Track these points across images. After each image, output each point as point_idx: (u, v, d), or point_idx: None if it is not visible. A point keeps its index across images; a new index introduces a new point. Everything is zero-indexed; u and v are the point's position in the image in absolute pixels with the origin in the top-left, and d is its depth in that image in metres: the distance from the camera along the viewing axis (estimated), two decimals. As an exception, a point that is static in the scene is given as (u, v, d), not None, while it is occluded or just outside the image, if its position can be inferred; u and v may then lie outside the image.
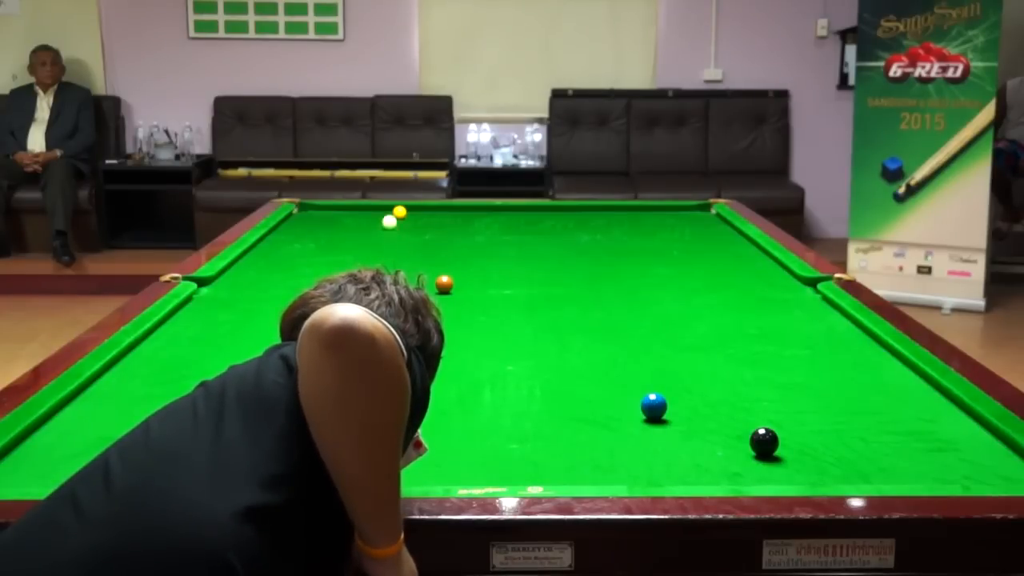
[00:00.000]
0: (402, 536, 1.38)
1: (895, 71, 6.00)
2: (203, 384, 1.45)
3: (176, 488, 1.27)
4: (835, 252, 6.09)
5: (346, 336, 1.26)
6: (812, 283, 2.95)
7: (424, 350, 1.55)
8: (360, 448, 1.28)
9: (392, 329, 1.32)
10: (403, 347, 1.33)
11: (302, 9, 7.23)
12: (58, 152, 6.72)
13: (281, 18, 7.25)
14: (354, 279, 1.59)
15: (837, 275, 2.95)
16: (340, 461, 1.29)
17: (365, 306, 1.49)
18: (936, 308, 5.91)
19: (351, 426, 1.27)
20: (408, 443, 1.47)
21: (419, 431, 1.52)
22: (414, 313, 1.57)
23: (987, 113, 5.75)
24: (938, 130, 5.90)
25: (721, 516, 1.50)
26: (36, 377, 2.11)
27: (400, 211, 4.04)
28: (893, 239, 6.11)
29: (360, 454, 1.29)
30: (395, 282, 1.61)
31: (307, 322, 1.29)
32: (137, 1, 7.23)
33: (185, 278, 2.91)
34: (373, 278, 1.60)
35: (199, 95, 7.26)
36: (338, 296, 1.55)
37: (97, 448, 1.42)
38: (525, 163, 7.15)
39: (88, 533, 1.24)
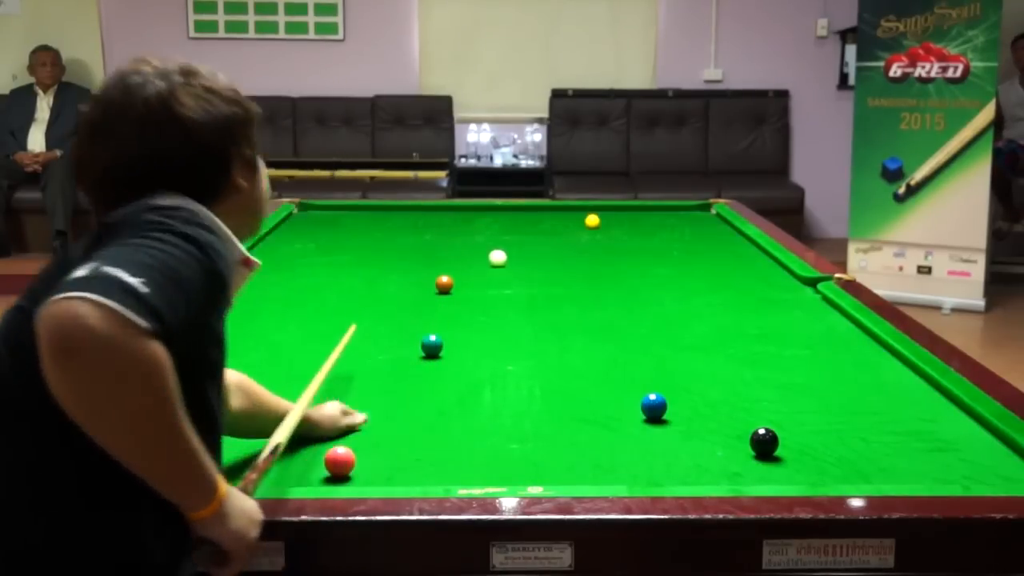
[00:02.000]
0: (220, 489, 1.32)
1: (895, 71, 6.00)
2: None
3: None
4: (835, 252, 6.08)
5: (70, 345, 1.17)
6: (812, 283, 2.94)
7: (238, 125, 1.54)
8: (130, 440, 1.23)
9: (124, 309, 1.18)
10: (144, 315, 1.20)
11: (302, 9, 7.23)
12: (58, 152, 6.72)
13: (281, 18, 7.25)
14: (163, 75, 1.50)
15: (837, 275, 2.94)
16: (120, 453, 1.24)
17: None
18: (936, 308, 5.90)
19: (112, 426, 1.22)
20: (220, 311, 1.46)
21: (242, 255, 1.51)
22: (211, 119, 1.52)
23: (987, 113, 5.75)
24: (938, 130, 5.90)
25: (721, 516, 1.49)
26: (36, 377, 2.10)
27: (593, 219, 3.85)
28: (893, 239, 6.11)
29: (133, 445, 1.24)
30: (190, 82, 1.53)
31: (37, 324, 1.19)
32: (137, 1, 7.23)
33: (185, 278, 2.89)
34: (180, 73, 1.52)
35: (199, 95, 7.25)
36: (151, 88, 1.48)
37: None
38: (525, 163, 7.15)
39: None
